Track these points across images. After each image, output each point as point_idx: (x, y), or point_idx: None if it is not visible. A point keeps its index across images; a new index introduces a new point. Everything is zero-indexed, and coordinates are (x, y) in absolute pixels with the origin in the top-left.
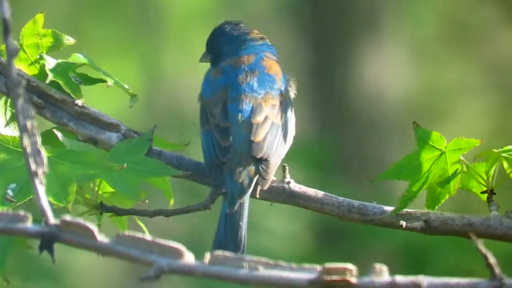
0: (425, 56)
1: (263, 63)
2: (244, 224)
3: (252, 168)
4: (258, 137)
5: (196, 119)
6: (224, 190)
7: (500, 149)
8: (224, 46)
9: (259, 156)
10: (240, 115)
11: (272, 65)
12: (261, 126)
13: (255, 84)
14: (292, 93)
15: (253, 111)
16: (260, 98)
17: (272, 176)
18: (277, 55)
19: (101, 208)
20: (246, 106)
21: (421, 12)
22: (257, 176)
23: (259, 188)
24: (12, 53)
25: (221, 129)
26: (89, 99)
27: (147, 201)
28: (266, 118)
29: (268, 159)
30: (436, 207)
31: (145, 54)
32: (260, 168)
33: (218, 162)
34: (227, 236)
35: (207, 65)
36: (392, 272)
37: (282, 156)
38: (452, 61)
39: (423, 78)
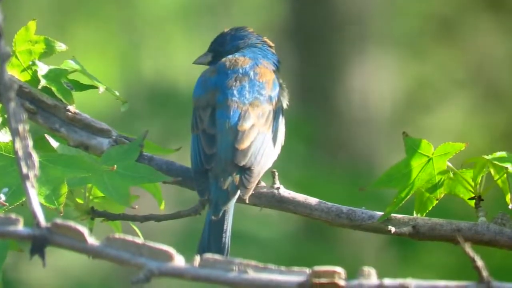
0: (411, 55)
1: (257, 70)
2: (228, 231)
3: (237, 175)
4: (243, 144)
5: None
6: (207, 197)
7: (491, 156)
8: (228, 44)
9: (241, 164)
10: (227, 121)
11: (265, 73)
12: (247, 133)
13: (244, 90)
14: (285, 103)
15: (240, 118)
16: (248, 105)
17: (254, 186)
18: (278, 66)
19: (92, 213)
20: (234, 112)
21: (406, 12)
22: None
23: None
24: (4, 57)
25: (207, 136)
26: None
27: (136, 206)
28: (253, 126)
29: (252, 168)
30: (425, 213)
31: (124, 53)
32: (243, 177)
33: (203, 169)
34: (211, 243)
35: (189, 66)
36: (380, 272)
37: (268, 165)
38: (437, 59)
39: (409, 78)
